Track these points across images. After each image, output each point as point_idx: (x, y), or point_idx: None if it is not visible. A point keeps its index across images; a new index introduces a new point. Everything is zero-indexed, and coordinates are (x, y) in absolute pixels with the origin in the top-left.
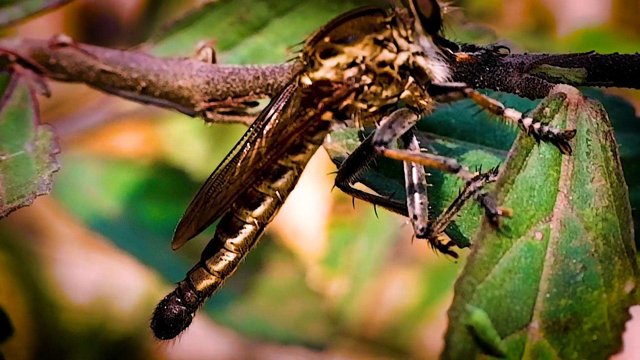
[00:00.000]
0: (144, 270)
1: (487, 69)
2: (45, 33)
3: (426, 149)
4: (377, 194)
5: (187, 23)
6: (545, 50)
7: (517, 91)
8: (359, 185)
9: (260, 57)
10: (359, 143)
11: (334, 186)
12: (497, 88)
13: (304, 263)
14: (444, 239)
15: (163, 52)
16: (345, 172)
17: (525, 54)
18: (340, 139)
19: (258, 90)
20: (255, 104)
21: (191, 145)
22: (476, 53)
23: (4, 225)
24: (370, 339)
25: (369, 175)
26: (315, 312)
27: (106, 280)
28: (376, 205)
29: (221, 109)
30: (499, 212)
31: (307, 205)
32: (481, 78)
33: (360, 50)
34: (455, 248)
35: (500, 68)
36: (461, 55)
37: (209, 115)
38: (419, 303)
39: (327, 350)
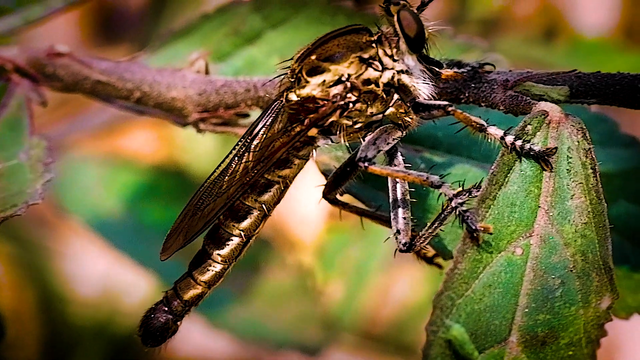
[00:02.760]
0: (144, 272)
1: (473, 85)
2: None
3: (411, 164)
4: (364, 206)
5: (182, 33)
6: (549, 58)
7: (501, 108)
8: (347, 197)
9: (254, 68)
10: (347, 156)
11: (321, 199)
12: (482, 104)
13: (302, 266)
14: (429, 252)
15: (159, 62)
16: (333, 186)
17: (510, 71)
18: (329, 152)
19: (249, 102)
20: (247, 115)
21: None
22: (462, 70)
23: (13, 219)
24: (376, 335)
25: (357, 187)
26: (312, 315)
27: (114, 275)
28: (363, 218)
29: (213, 120)
30: (480, 228)
31: (305, 209)
32: (466, 94)
33: (345, 68)
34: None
35: (485, 85)
36: (446, 72)
37: (201, 126)
38: (426, 300)
39: (323, 353)
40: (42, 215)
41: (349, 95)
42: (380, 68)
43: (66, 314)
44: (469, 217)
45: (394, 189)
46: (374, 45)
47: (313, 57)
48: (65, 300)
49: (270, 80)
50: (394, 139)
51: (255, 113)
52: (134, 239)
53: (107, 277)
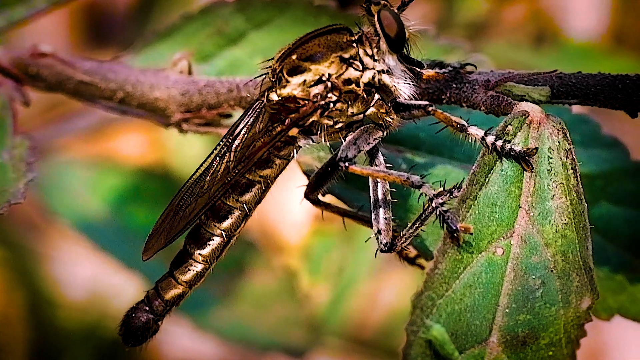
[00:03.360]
0: (131, 274)
1: (454, 85)
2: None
3: (392, 164)
4: (346, 207)
5: (166, 34)
6: (536, 63)
7: (483, 108)
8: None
9: (237, 69)
10: (330, 156)
11: (302, 199)
12: (464, 105)
13: (287, 269)
14: (411, 252)
15: (143, 63)
16: (314, 186)
17: (492, 71)
18: (312, 152)
19: (232, 102)
20: (229, 115)
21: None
22: (443, 70)
23: (1, 222)
24: (365, 340)
25: (338, 188)
26: (297, 318)
27: (103, 278)
28: (345, 218)
29: (196, 120)
30: (460, 229)
31: (291, 211)
32: (448, 95)
33: (326, 68)
34: (423, 261)
35: (467, 85)
36: (428, 72)
37: (184, 126)
38: None
39: (308, 356)
40: (29, 218)
41: (329, 95)
42: (360, 68)
43: (54, 317)
44: (450, 218)
45: (375, 189)
46: (354, 45)
47: (294, 57)
48: (54, 304)
49: (252, 80)
50: (374, 139)
51: (238, 113)
52: (121, 241)
53: (96, 280)
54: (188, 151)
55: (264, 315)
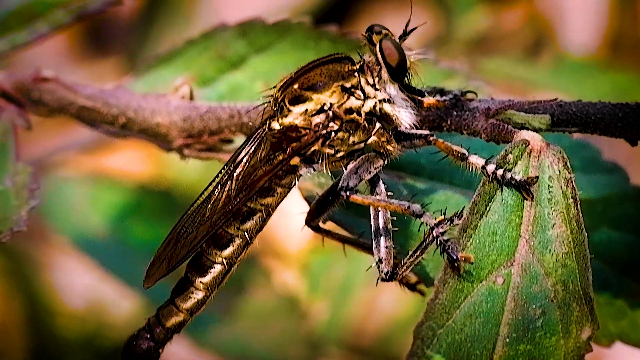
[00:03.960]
0: (129, 290)
1: (455, 113)
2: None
3: (393, 191)
4: (346, 234)
5: (167, 58)
6: (534, 77)
7: (483, 136)
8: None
9: (238, 93)
10: (330, 182)
11: (303, 226)
12: (464, 132)
13: (286, 285)
14: (412, 278)
15: (144, 88)
16: (315, 213)
17: (492, 99)
18: (312, 178)
19: (233, 128)
20: (231, 141)
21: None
22: (444, 98)
23: None
24: (363, 348)
25: (339, 214)
26: (296, 335)
27: (102, 287)
28: (345, 245)
29: (197, 146)
30: (461, 258)
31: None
32: (448, 122)
33: (327, 98)
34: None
35: (467, 113)
36: (428, 100)
37: (186, 151)
38: (411, 312)
39: None
40: (29, 226)
41: (331, 124)
42: (362, 97)
43: (53, 326)
44: (450, 247)
45: (376, 218)
46: (356, 74)
47: (296, 86)
48: (53, 312)
49: (254, 108)
50: (375, 168)
51: (239, 139)
52: (120, 257)
53: (94, 289)
54: (187, 166)
55: (264, 331)
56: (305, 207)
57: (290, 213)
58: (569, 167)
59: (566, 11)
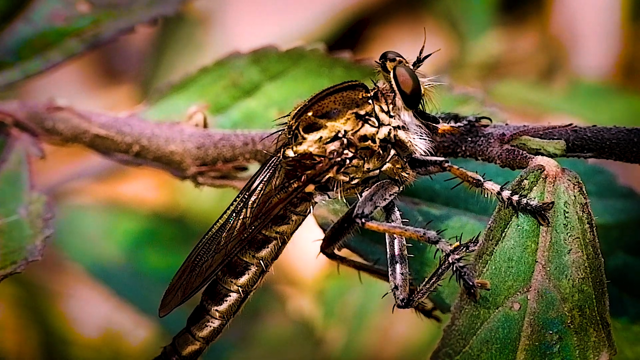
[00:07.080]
0: (144, 319)
1: (469, 139)
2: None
3: (408, 217)
4: (362, 260)
5: (181, 86)
6: (548, 101)
7: (498, 162)
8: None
9: (252, 120)
10: (345, 209)
11: (319, 253)
12: (479, 158)
13: (301, 312)
14: (427, 305)
15: (158, 116)
16: (330, 240)
17: (507, 124)
18: (327, 205)
19: (247, 155)
20: (245, 169)
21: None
22: (458, 124)
23: None
24: None
25: (354, 241)
26: None
27: (117, 315)
28: (360, 272)
29: (212, 174)
30: (477, 284)
31: (305, 255)
32: (463, 148)
33: (342, 125)
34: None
35: (482, 139)
36: (443, 126)
37: (200, 179)
38: (428, 339)
39: None
40: (44, 257)
41: (345, 151)
42: (376, 124)
43: (69, 356)
44: (466, 274)
45: (392, 245)
46: (370, 101)
47: (310, 114)
48: (68, 342)
49: (268, 136)
50: (390, 195)
51: (253, 166)
52: (135, 286)
53: (109, 319)
54: (201, 194)
55: (279, 358)
56: (321, 234)
57: (306, 240)
58: (585, 192)
59: (580, 35)
